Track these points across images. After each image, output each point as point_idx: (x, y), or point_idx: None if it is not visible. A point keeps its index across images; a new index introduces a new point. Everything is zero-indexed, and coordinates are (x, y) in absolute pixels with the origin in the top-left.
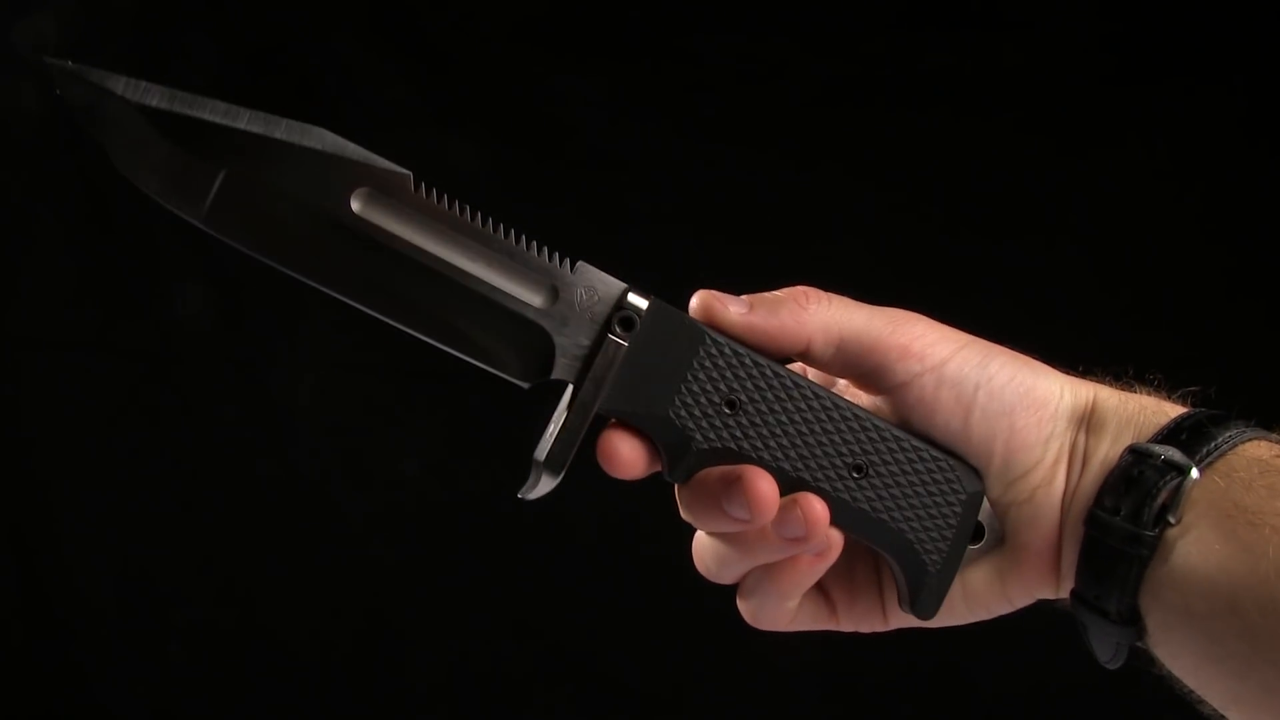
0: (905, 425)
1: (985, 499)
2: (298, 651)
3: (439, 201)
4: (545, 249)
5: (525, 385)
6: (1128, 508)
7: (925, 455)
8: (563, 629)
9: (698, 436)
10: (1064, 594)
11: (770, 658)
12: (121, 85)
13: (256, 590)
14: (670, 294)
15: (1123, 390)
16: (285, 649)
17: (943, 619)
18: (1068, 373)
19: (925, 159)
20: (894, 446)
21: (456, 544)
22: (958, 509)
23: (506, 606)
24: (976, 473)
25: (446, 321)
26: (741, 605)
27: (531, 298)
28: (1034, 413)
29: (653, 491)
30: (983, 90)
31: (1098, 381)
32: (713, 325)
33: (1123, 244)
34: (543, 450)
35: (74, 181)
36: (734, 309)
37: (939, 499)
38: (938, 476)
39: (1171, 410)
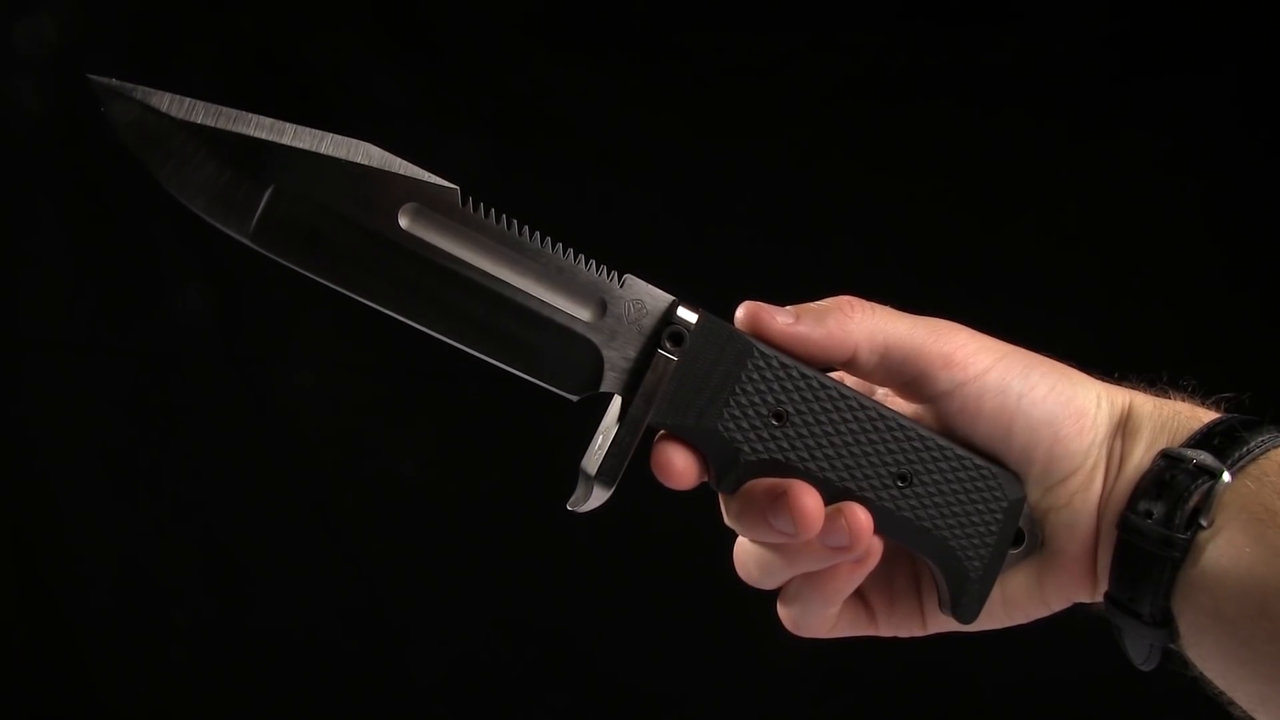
0: (948, 433)
1: (1026, 504)
2: (298, 651)
3: (487, 216)
4: (593, 262)
5: (574, 398)
6: (1160, 511)
7: (969, 463)
8: (563, 629)
9: (745, 449)
10: (1099, 597)
11: (771, 657)
12: (167, 102)
13: (256, 590)
14: (674, 292)
15: (1157, 396)
16: (285, 649)
17: (981, 623)
18: (1102, 379)
19: (927, 155)
20: (937, 455)
21: (456, 544)
22: (999, 515)
23: (506, 606)
24: (1018, 479)
25: (495, 335)
26: (783, 612)
27: (580, 311)
28: (1075, 422)
29: (653, 491)
30: (985, 86)
31: (1132, 388)
32: (759, 336)
33: (1126, 237)
34: (593, 463)
35: (74, 181)
36: (781, 320)
37: (981, 506)
38: (980, 484)
39: (1205, 415)
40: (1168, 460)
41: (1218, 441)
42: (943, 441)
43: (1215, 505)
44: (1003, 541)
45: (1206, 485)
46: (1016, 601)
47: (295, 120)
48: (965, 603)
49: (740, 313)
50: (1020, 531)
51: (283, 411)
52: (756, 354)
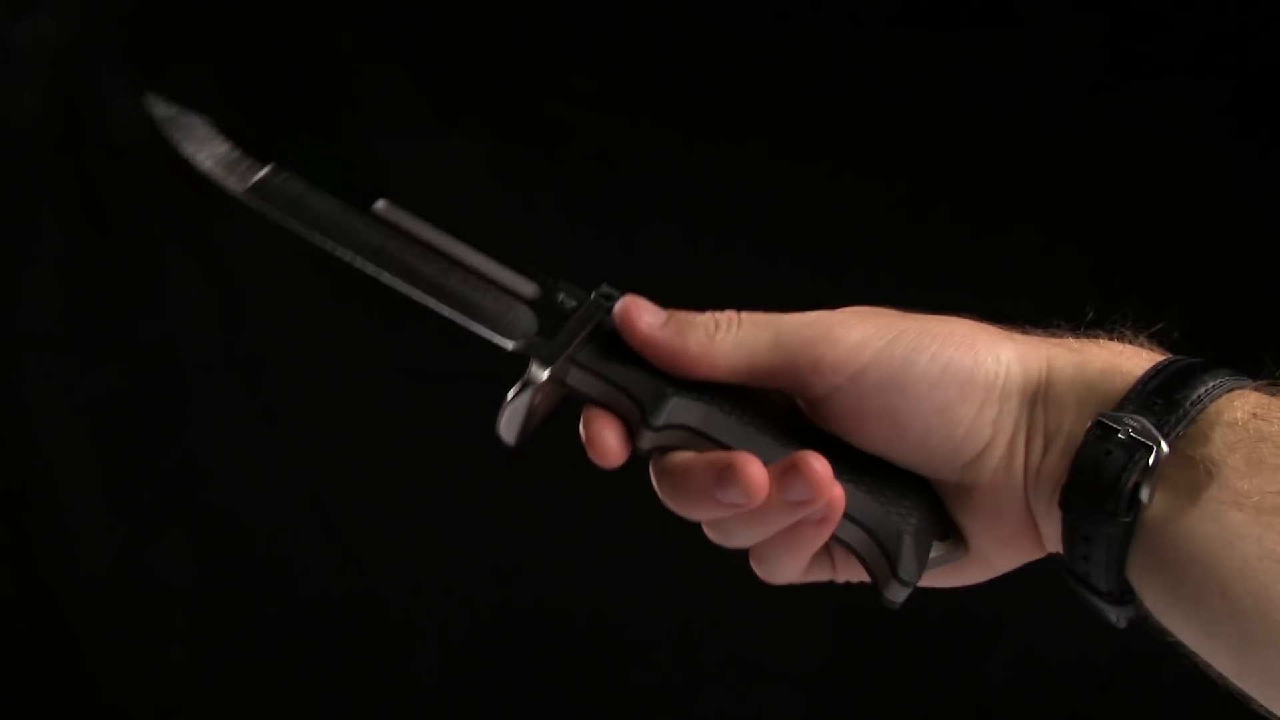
0: (843, 436)
1: (943, 508)
2: (298, 650)
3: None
4: (537, 268)
5: (509, 345)
6: (1099, 489)
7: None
8: (563, 627)
9: (672, 386)
10: (1050, 552)
11: (771, 655)
12: (209, 146)
13: (256, 590)
14: (668, 293)
15: (1082, 347)
16: (285, 648)
17: (933, 581)
18: (1024, 332)
19: (923, 158)
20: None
21: (456, 543)
22: (921, 494)
23: (506, 605)
24: (925, 480)
25: (444, 290)
26: (755, 565)
27: (524, 287)
28: (973, 402)
29: (652, 491)
30: (982, 89)
31: (1056, 340)
32: (626, 332)
33: (1120, 242)
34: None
35: (74, 181)
36: (646, 319)
37: (898, 481)
38: (894, 469)
39: (1132, 365)
40: (1101, 429)
41: (1152, 402)
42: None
43: (1155, 480)
44: (928, 519)
45: (1143, 459)
46: (966, 566)
47: (294, 122)
48: (905, 564)
49: (617, 306)
50: (945, 527)
51: (283, 411)
52: None
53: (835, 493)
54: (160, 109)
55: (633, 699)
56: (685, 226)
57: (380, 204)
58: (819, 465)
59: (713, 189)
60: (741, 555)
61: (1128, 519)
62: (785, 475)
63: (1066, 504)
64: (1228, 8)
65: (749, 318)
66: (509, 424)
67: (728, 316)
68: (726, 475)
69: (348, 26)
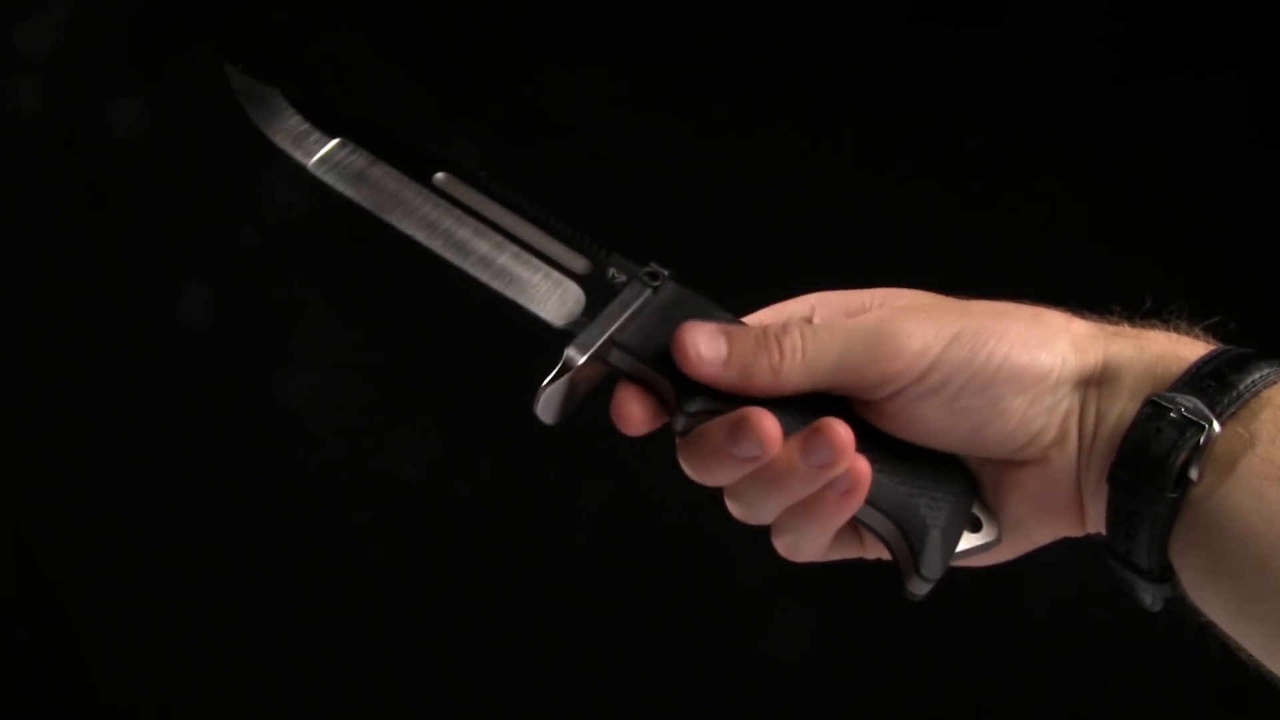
0: (898, 429)
1: (979, 496)
2: (299, 649)
3: (505, 188)
4: (589, 238)
5: (557, 324)
6: (1149, 466)
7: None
8: (563, 628)
9: None
10: (1090, 532)
11: (771, 656)
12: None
13: (256, 590)
14: None
15: (1140, 334)
16: (285, 649)
17: (965, 561)
18: (1082, 318)
19: (928, 156)
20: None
21: (456, 544)
22: (955, 488)
23: (506, 606)
24: (971, 474)
25: (494, 267)
26: (776, 541)
27: (574, 263)
28: (1028, 393)
29: (653, 492)
30: (986, 87)
31: (1114, 327)
32: (686, 369)
33: (1127, 240)
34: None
35: (74, 182)
36: (707, 360)
37: (932, 470)
38: (933, 460)
39: (1189, 352)
40: (1154, 409)
41: (1206, 384)
42: None
43: (1205, 458)
44: (959, 512)
45: (1194, 438)
46: (1004, 540)
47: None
48: (928, 559)
49: (674, 344)
50: (976, 518)
51: (283, 411)
52: (718, 314)
53: (860, 464)
54: (237, 79)
55: (633, 700)
56: (686, 226)
57: (440, 175)
58: (843, 430)
59: (713, 188)
60: (742, 557)
61: (1175, 495)
62: (809, 439)
63: (1115, 480)
64: (1236, 7)
65: (813, 339)
66: (547, 406)
67: (791, 342)
68: (740, 428)
69: (349, 25)
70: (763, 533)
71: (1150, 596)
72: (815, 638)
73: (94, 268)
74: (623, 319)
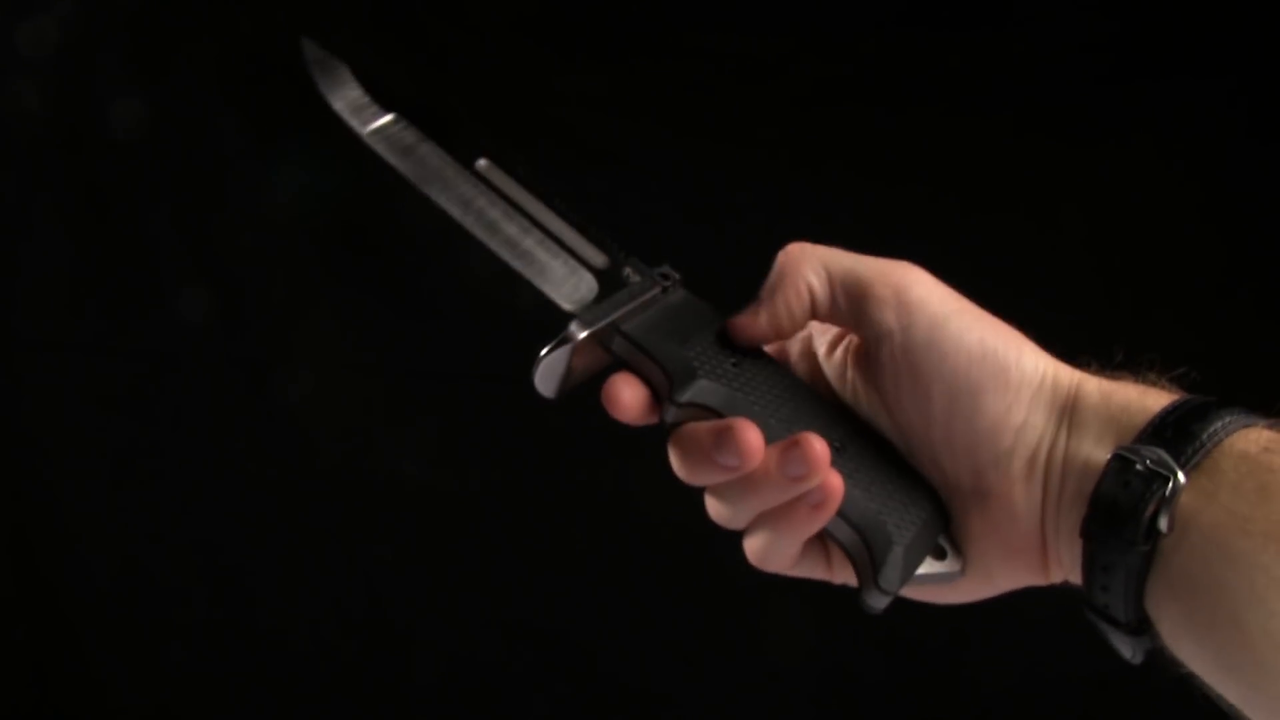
0: (881, 382)
1: (949, 527)
2: (298, 651)
3: (542, 181)
4: (614, 240)
5: (568, 307)
6: (1118, 519)
7: (899, 461)
8: (564, 629)
9: (702, 370)
10: (1054, 581)
11: (771, 658)
12: (349, 77)
13: (257, 590)
14: None
15: (1107, 381)
16: (285, 649)
17: (932, 596)
18: (1057, 359)
19: (926, 157)
20: (869, 441)
21: (456, 544)
22: (922, 513)
23: (506, 606)
24: (942, 504)
25: (518, 248)
26: (747, 545)
27: (595, 258)
28: (1005, 396)
29: (653, 494)
30: (985, 90)
31: (1085, 372)
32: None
33: (1123, 241)
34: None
35: (73, 182)
36: (753, 323)
37: (905, 498)
38: (907, 482)
39: (1154, 402)
40: (1121, 462)
41: (1170, 434)
42: (875, 431)
43: (1173, 510)
44: (924, 536)
45: (1160, 489)
46: (967, 581)
47: (294, 120)
48: (888, 573)
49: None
50: (941, 546)
51: (283, 411)
52: (722, 327)
53: (832, 479)
54: (311, 51)
55: (633, 700)
56: (686, 227)
57: (482, 162)
58: (819, 446)
59: (714, 189)
60: (742, 558)
61: (1146, 547)
62: (787, 450)
63: (1087, 534)
64: (1231, 9)
65: (822, 247)
66: (545, 377)
67: (795, 250)
68: (724, 437)
69: (348, 25)
70: None
71: (1130, 649)
72: (815, 639)
73: (94, 268)
74: (629, 308)
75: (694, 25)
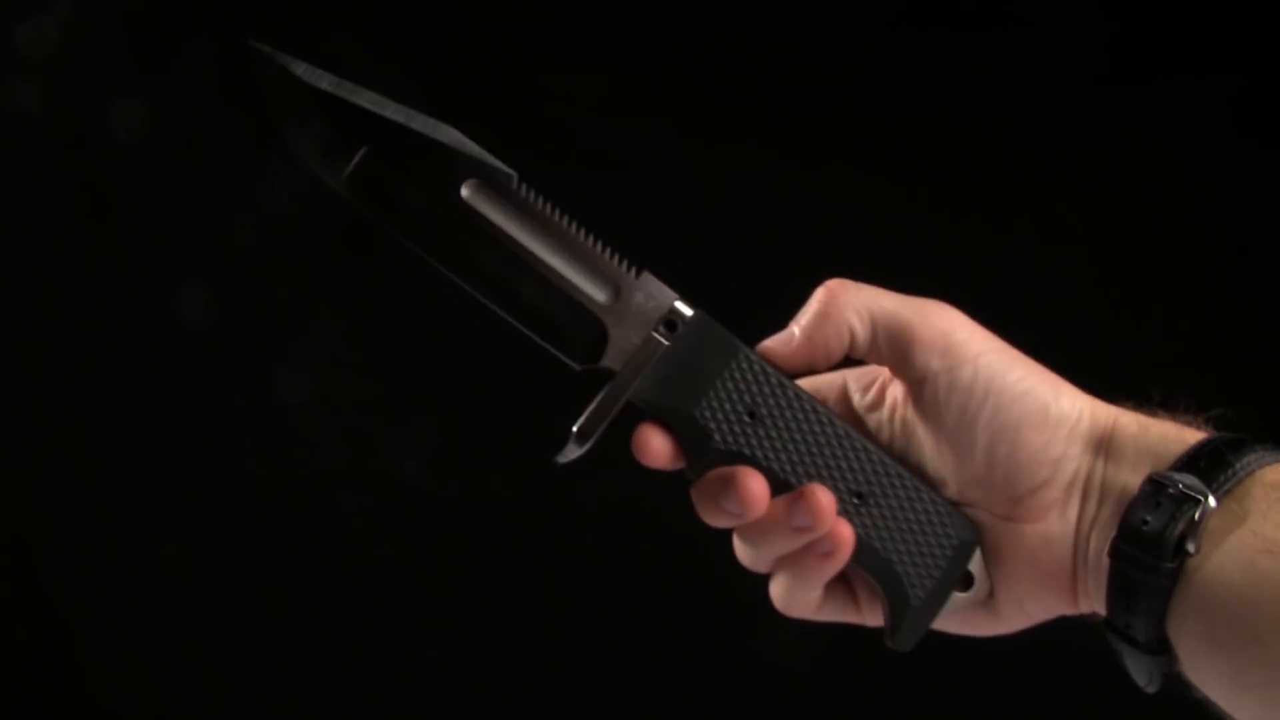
0: (918, 420)
1: (979, 551)
2: (298, 651)
3: (534, 200)
4: (616, 255)
5: (577, 368)
6: (1148, 539)
7: (924, 495)
8: (563, 629)
9: (716, 437)
10: (1081, 611)
11: (771, 659)
12: (301, 69)
13: (256, 590)
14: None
15: (1145, 416)
16: (285, 649)
17: (961, 629)
18: (1095, 397)
19: (926, 159)
20: (895, 482)
21: (456, 544)
22: (948, 551)
23: (506, 606)
24: (972, 525)
25: (518, 299)
26: (772, 592)
27: (598, 294)
28: (1044, 431)
29: (654, 495)
30: (985, 91)
31: (1121, 407)
32: (775, 364)
33: (1123, 243)
34: (579, 423)
35: (74, 182)
36: (786, 345)
37: (931, 539)
38: (933, 518)
39: (1190, 437)
40: (1154, 485)
41: (1204, 464)
42: (902, 470)
43: (1201, 531)
44: (948, 578)
45: (1191, 511)
46: (999, 612)
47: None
48: (904, 630)
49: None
50: (969, 574)
51: (283, 412)
52: (741, 356)
53: (841, 529)
54: (259, 54)
55: (633, 702)
56: (686, 227)
57: (465, 190)
58: (824, 497)
59: (714, 190)
60: (741, 565)
61: (1173, 566)
62: (793, 501)
63: (1117, 553)
64: (1231, 11)
65: (865, 285)
66: (567, 456)
67: (838, 286)
68: (729, 486)
69: (347, 27)
70: None
71: (1147, 673)
72: (816, 642)
73: (94, 268)
74: (637, 381)
75: (694, 27)
